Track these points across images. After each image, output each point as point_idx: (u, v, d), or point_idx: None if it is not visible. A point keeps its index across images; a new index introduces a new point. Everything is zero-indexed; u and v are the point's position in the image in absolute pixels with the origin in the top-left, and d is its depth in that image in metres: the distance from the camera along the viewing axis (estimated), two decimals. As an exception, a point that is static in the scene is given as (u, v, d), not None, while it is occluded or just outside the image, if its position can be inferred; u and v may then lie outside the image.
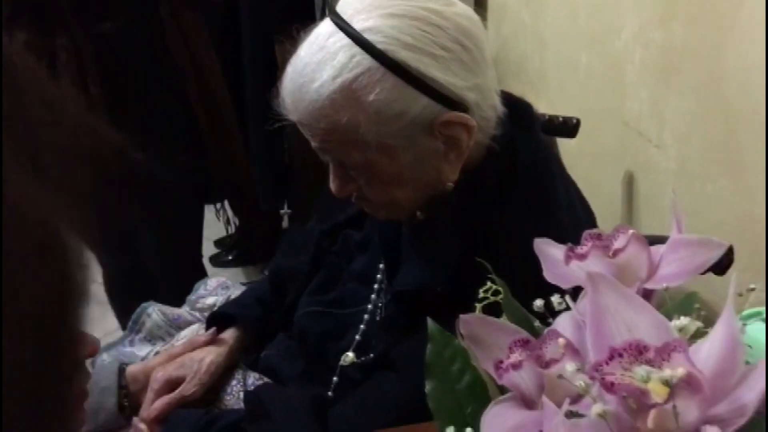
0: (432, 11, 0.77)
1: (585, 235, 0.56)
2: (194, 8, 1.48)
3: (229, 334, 1.08)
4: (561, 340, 0.49)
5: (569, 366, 0.46)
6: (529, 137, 0.88)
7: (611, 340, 0.45)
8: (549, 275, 0.57)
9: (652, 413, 0.41)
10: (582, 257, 0.54)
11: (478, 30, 0.81)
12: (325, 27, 0.79)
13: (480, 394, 0.54)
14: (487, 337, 0.54)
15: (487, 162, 0.85)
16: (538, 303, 0.57)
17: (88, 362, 0.72)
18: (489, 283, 0.72)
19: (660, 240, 0.58)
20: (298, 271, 1.10)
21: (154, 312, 1.17)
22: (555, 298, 0.56)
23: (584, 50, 1.60)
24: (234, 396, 1.03)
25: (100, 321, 1.86)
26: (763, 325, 0.51)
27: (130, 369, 1.03)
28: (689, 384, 0.41)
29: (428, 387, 0.56)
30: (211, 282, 1.27)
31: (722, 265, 0.82)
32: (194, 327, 1.15)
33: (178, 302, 1.25)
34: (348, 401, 0.90)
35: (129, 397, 1.01)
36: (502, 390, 0.52)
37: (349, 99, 0.76)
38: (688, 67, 1.20)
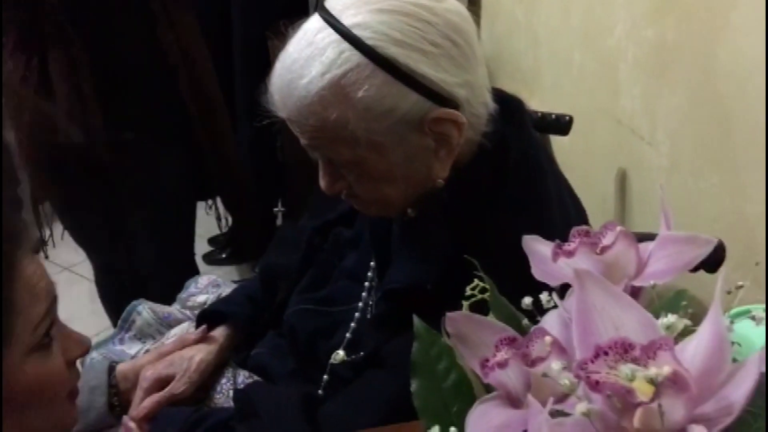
0: (422, 7, 0.76)
1: (573, 231, 0.56)
2: (186, 3, 1.47)
3: (219, 332, 1.07)
4: (547, 338, 0.49)
5: (555, 364, 0.45)
6: (521, 134, 0.88)
7: (597, 338, 0.45)
8: (537, 272, 0.57)
9: (638, 412, 0.41)
10: (570, 254, 0.54)
11: (469, 26, 0.80)
12: (313, 23, 0.78)
13: (466, 392, 0.54)
14: (474, 335, 0.53)
15: (478, 159, 0.85)
16: (527, 301, 0.56)
17: (77, 361, 0.72)
18: (476, 281, 0.71)
19: (651, 237, 0.57)
20: (289, 269, 1.09)
21: (145, 310, 1.16)
22: (544, 296, 0.55)
23: (577, 48, 1.60)
24: (224, 394, 1.03)
25: (92, 319, 1.85)
26: (752, 323, 0.50)
27: (120, 367, 1.02)
28: (675, 382, 0.40)
29: (414, 386, 0.55)
30: (202, 280, 1.26)
31: (713, 263, 0.81)
32: (184, 325, 1.15)
33: (171, 300, 1.25)
34: (338, 399, 0.89)
35: (119, 396, 1.00)
36: (488, 389, 0.52)
37: (338, 95, 0.75)
38: (681, 64, 1.19)
